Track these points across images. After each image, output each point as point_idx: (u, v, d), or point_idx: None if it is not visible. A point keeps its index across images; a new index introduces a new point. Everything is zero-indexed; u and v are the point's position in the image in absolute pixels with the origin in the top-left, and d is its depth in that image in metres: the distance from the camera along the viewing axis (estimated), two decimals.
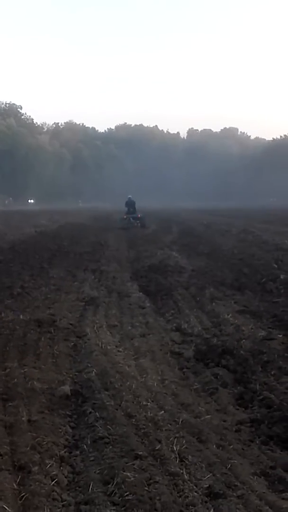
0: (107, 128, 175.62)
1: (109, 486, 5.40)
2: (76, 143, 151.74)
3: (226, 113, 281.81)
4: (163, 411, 7.25)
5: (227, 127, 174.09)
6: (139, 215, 45.99)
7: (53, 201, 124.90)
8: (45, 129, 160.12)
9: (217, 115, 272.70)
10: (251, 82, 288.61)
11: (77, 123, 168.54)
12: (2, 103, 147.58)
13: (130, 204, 47.65)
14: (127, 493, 5.19)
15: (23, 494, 5.19)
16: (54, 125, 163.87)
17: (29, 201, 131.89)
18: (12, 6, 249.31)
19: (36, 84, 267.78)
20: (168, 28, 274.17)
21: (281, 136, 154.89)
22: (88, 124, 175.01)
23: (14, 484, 5.35)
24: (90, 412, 7.22)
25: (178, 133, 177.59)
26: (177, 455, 5.99)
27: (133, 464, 5.72)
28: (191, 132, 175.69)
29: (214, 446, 6.36)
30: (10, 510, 4.88)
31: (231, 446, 6.41)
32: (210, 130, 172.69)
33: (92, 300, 14.38)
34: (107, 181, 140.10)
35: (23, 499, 5.12)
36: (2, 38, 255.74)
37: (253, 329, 11.39)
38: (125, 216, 46.38)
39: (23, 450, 6.00)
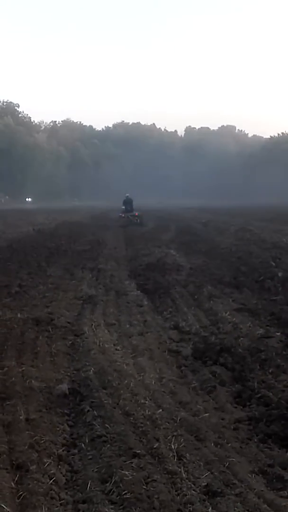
0: (105, 126, 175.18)
1: (107, 484, 5.40)
2: (74, 141, 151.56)
3: (223, 111, 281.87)
4: (161, 410, 7.25)
5: (225, 125, 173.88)
6: (136, 213, 46.31)
7: (51, 199, 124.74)
8: (43, 127, 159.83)
9: (215, 113, 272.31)
10: (248, 80, 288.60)
11: (75, 121, 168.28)
12: (0, 102, 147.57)
13: (128, 202, 48.05)
14: (125, 491, 5.19)
15: (21, 493, 5.18)
16: (51, 124, 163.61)
17: (27, 199, 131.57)
18: (9, 4, 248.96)
19: (34, 82, 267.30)
20: (165, 25, 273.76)
21: (278, 134, 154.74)
22: (86, 122, 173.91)
23: (12, 483, 5.35)
24: (88, 411, 7.21)
25: (175, 131, 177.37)
26: (175, 454, 5.99)
27: (131, 463, 5.72)
28: (189, 130, 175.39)
29: (212, 444, 6.36)
30: (8, 509, 4.87)
31: (229, 444, 6.41)
32: (208, 128, 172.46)
33: (90, 299, 14.39)
34: (105, 179, 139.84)
35: (21, 498, 5.12)
36: None
37: (251, 327, 11.40)
38: (122, 215, 46.80)
39: (21, 449, 6.00)
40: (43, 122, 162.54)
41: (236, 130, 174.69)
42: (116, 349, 10.21)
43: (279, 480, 5.71)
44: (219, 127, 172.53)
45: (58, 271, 19.28)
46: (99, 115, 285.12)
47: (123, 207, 48.10)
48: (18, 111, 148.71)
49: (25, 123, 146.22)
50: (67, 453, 6.25)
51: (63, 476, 5.75)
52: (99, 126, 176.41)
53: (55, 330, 11.24)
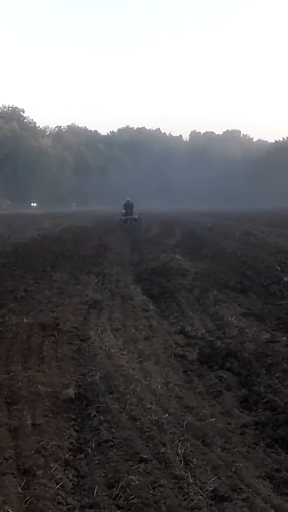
0: (110, 131, 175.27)
1: (114, 489, 5.39)
2: (79, 146, 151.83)
3: (228, 116, 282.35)
4: (167, 414, 7.24)
5: (230, 129, 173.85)
6: (135, 216, 48.98)
7: (56, 204, 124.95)
8: (48, 132, 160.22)
9: (220, 117, 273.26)
10: (253, 85, 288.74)
11: (80, 126, 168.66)
12: (5, 107, 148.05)
13: (128, 206, 50.07)
14: (132, 496, 5.19)
15: (28, 498, 5.19)
16: (56, 129, 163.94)
17: (32, 204, 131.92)
18: (13, 9, 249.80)
19: (39, 87, 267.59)
20: (170, 30, 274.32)
21: (283, 138, 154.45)
22: (91, 127, 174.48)
23: (19, 488, 5.35)
24: (95, 416, 7.21)
25: (180, 135, 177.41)
26: (182, 458, 5.98)
27: (138, 468, 5.72)
28: (194, 134, 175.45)
29: (219, 449, 6.35)
30: None
31: (236, 449, 6.40)
32: (213, 132, 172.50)
33: (95, 303, 14.39)
34: (110, 184, 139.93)
35: (28, 503, 5.12)
36: (4, 42, 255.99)
37: (257, 331, 11.38)
38: (123, 218, 48.91)
39: (28, 453, 6.00)
40: (48, 127, 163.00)
41: (241, 135, 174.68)
42: (122, 354, 10.20)
43: (286, 484, 5.70)
44: (224, 132, 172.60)
45: (63, 276, 19.30)
46: (104, 120, 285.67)
47: (124, 210, 49.98)
48: (23, 116, 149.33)
49: (30, 128, 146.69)
50: (73, 458, 6.25)
51: (70, 481, 5.75)
52: (104, 131, 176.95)
53: (61, 335, 11.25)
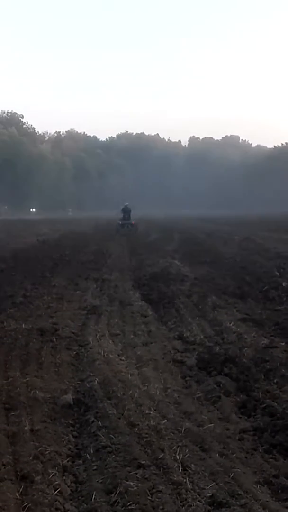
0: (109, 137, 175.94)
1: (112, 495, 5.39)
2: (78, 152, 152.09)
3: (227, 121, 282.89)
4: (166, 420, 7.24)
5: (228, 135, 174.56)
6: (133, 222, 51.64)
7: (55, 210, 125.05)
8: (47, 138, 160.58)
9: (218, 123, 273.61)
10: (252, 90, 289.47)
11: (79, 132, 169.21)
12: (4, 112, 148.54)
13: (126, 211, 52.51)
14: (130, 502, 5.18)
15: (26, 503, 5.18)
16: (55, 134, 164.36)
17: (31, 210, 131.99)
18: (13, 15, 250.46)
19: (38, 93, 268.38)
20: (169, 36, 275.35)
21: (282, 144, 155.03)
22: (90, 133, 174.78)
23: (17, 494, 5.34)
24: (93, 421, 7.21)
25: (179, 141, 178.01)
26: (180, 464, 5.97)
27: (136, 473, 5.71)
28: (192, 140, 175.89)
29: (217, 454, 6.34)
30: None
31: (234, 455, 6.39)
32: (212, 138, 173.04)
33: (94, 309, 14.38)
34: (109, 189, 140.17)
35: (26, 509, 5.12)
36: (3, 47, 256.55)
37: (256, 337, 11.38)
38: (120, 222, 51.34)
39: (26, 459, 6.00)
40: (47, 132, 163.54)
41: (240, 140, 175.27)
42: (121, 360, 10.20)
43: (284, 490, 5.69)
44: (222, 137, 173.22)
45: (62, 281, 19.30)
46: (103, 126, 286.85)
47: (122, 215, 52.72)
48: (22, 121, 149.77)
49: (29, 134, 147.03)
50: (71, 464, 6.25)
51: (68, 487, 5.74)
52: (103, 136, 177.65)
53: (60, 340, 11.25)
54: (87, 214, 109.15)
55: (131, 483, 5.47)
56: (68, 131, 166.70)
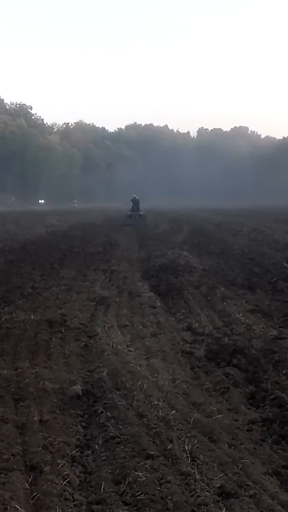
0: (117, 128, 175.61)
1: (121, 486, 5.40)
2: (86, 143, 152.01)
3: (236, 112, 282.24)
4: (174, 411, 7.24)
5: (237, 126, 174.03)
6: (141, 213, 51.40)
7: (64, 201, 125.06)
8: (55, 129, 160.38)
9: (227, 114, 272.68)
10: (261, 81, 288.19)
11: (87, 123, 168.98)
12: (13, 104, 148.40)
13: (135, 202, 52.79)
14: (139, 492, 5.19)
15: (35, 494, 5.20)
16: (64, 125, 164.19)
17: (40, 201, 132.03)
18: (22, 7, 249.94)
19: (46, 84, 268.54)
20: (177, 26, 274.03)
21: None
22: (98, 124, 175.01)
23: (26, 484, 5.36)
24: (102, 412, 7.22)
25: (188, 132, 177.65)
26: (189, 455, 5.97)
27: (145, 464, 5.72)
28: (201, 131, 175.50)
29: (226, 445, 6.34)
30: (22, 510, 4.89)
31: (243, 446, 6.39)
32: (220, 129, 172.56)
33: (103, 300, 14.38)
34: (118, 181, 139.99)
35: (35, 499, 5.13)
36: (12, 39, 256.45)
37: (264, 328, 11.36)
38: (129, 213, 51.50)
39: (35, 450, 6.01)
40: (55, 124, 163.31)
41: (249, 131, 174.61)
42: (129, 351, 10.20)
43: None
44: (231, 128, 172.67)
45: (71, 272, 19.31)
46: (111, 117, 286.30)
47: (131, 206, 53.09)
48: (30, 113, 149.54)
49: (38, 125, 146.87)
50: (80, 454, 6.26)
51: (77, 477, 5.75)
52: (111, 127, 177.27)
53: (68, 331, 11.26)
54: (96, 205, 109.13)
55: (140, 474, 5.48)
56: (77, 122, 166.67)
